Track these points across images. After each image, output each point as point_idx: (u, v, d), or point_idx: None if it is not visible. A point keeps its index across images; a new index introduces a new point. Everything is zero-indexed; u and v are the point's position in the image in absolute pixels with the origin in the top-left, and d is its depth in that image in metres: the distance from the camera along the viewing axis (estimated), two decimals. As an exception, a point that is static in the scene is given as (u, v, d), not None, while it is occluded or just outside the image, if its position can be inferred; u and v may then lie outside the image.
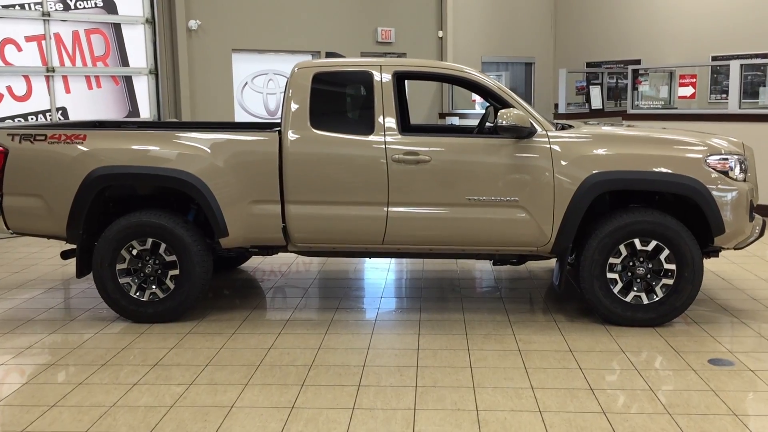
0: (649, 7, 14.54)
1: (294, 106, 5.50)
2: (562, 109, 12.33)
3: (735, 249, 5.53)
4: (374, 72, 5.51)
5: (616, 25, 15.12)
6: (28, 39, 9.41)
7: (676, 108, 11.87)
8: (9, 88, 9.42)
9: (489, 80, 5.55)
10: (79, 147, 5.44)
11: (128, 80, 10.45)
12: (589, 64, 15.42)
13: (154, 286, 5.53)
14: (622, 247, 5.31)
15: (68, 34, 9.79)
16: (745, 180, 5.35)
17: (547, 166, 5.29)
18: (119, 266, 5.49)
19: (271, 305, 6.15)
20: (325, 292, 6.53)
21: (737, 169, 5.29)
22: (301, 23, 12.10)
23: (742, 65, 9.97)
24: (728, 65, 10.36)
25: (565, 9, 16.08)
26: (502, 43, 15.17)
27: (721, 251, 5.59)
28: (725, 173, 5.25)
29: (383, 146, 5.39)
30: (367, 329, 5.38)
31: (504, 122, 5.18)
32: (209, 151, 5.43)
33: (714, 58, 13.02)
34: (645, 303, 5.33)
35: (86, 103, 10.07)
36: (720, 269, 6.95)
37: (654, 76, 12.76)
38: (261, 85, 11.87)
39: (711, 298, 6.06)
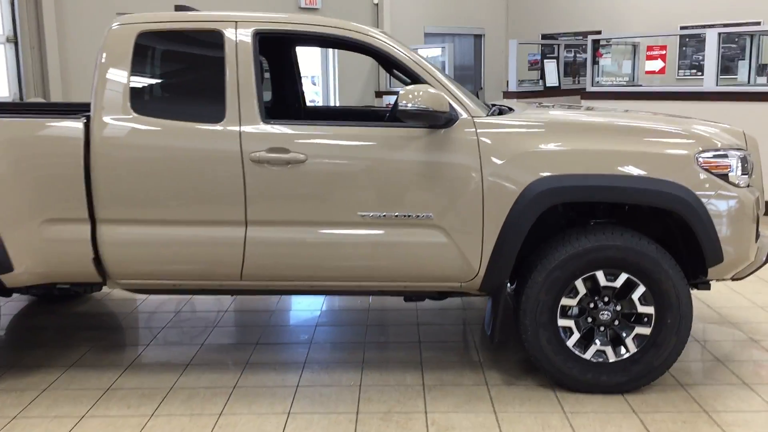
0: (611, -28, 13.01)
1: (108, 81, 3.78)
2: (513, 87, 10.75)
3: (733, 280, 3.99)
4: (226, 31, 3.81)
5: (575, -8, 13.55)
6: None
7: (642, 85, 10.35)
8: None
9: (396, 46, 3.88)
10: None
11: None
12: (544, 36, 13.84)
13: None
14: (579, 283, 3.71)
15: None
16: (749, 185, 3.80)
17: (473, 167, 3.66)
18: None
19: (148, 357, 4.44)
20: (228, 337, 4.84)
21: (739, 170, 3.73)
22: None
23: (720, 34, 8.45)
24: (703, 35, 8.84)
25: (519, -26, 14.45)
26: (447, 11, 13.50)
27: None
28: (723, 176, 3.68)
29: (237, 140, 3.71)
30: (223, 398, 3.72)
31: (409, 105, 3.53)
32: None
33: (683, 29, 11.54)
34: (612, 361, 3.76)
35: None
36: (703, 292, 5.42)
37: (616, 50, 11.22)
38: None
39: (697, 340, 4.52)
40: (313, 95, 12.03)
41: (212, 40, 3.80)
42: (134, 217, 3.77)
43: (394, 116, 3.83)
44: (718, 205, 3.65)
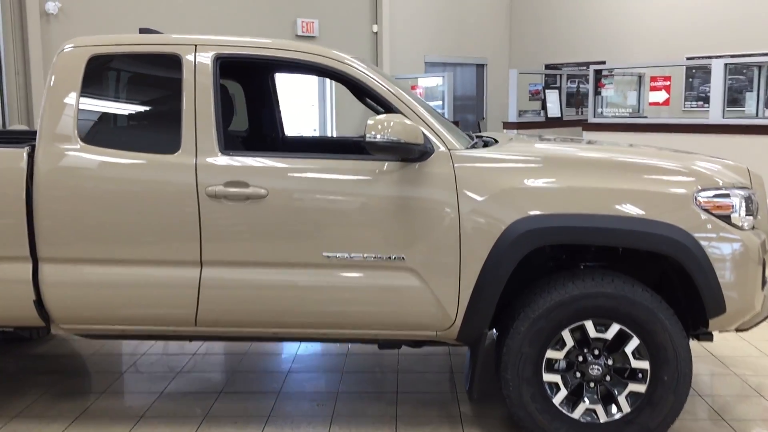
0: (616, 3, 12.76)
1: (55, 107, 3.49)
2: (513, 118, 10.44)
3: (737, 331, 3.63)
4: (185, 55, 3.51)
5: (580, 22, 13.32)
6: None
7: (646, 117, 10.03)
8: None
9: (368, 72, 3.55)
10: None
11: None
12: (548, 66, 13.60)
13: None
14: (566, 334, 3.36)
15: None
16: (753, 227, 3.45)
17: (449, 204, 3.33)
18: None
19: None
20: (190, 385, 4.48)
21: (743, 211, 3.39)
22: (197, 7, 10.04)
23: (726, 65, 8.14)
24: (709, 66, 8.54)
25: (523, 3, 14.24)
26: (449, 41, 13.27)
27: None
28: (725, 218, 3.34)
29: (193, 172, 3.39)
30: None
31: (378, 137, 3.22)
32: None
33: (689, 60, 11.25)
34: (603, 421, 3.39)
35: None
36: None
37: (621, 80, 10.93)
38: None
39: (699, 395, 4.14)
40: (314, 123, 11.78)
41: (170, 64, 3.51)
42: (80, 256, 3.45)
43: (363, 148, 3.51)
44: (720, 250, 3.30)
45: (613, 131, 9.02)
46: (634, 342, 3.34)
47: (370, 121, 3.22)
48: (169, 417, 3.84)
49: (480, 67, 14.09)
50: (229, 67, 3.80)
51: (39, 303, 3.49)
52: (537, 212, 3.29)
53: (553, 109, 10.97)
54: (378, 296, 3.41)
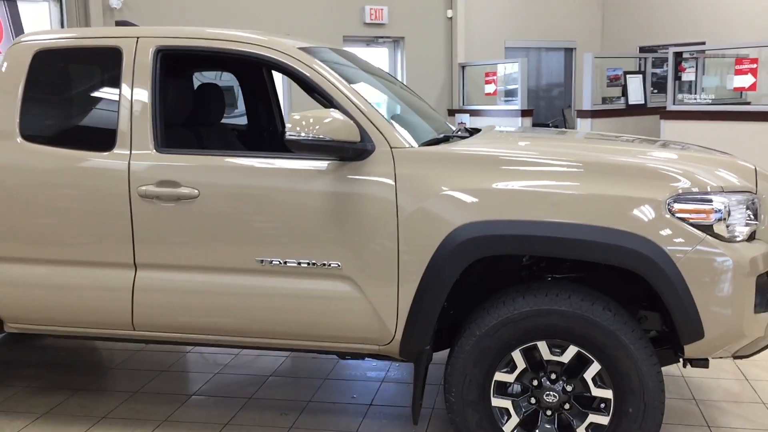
0: (716, -22, 11.73)
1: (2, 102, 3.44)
2: (587, 105, 9.80)
3: (735, 358, 3.13)
4: (125, 49, 3.37)
5: (676, 0, 12.35)
6: None
7: (732, 104, 9.11)
8: None
9: (305, 61, 3.26)
10: None
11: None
12: (642, 49, 12.68)
13: None
14: (517, 355, 2.99)
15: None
16: (751, 239, 2.94)
17: (387, 208, 3.03)
18: None
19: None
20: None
21: (734, 219, 2.89)
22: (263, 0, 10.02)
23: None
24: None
25: (615, -18, 13.37)
26: (533, 24, 12.64)
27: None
28: (706, 227, 2.85)
29: (126, 171, 3.26)
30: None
31: (302, 134, 2.95)
32: None
33: (794, 39, 10.14)
34: (559, 454, 3.00)
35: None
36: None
37: (714, 63, 9.99)
38: (211, 77, 9.82)
39: (697, 425, 3.63)
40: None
41: (111, 58, 3.38)
42: (18, 255, 3.41)
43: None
44: (696, 265, 2.82)
45: (694, 120, 8.25)
46: (595, 367, 2.93)
47: (295, 116, 2.95)
48: (128, 419, 3.75)
49: (568, 52, 13.37)
50: (221, 60, 3.69)
51: (-11, 301, 3.48)
52: (482, 218, 2.93)
53: (636, 95, 10.20)
54: (313, 306, 3.16)
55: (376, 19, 10.81)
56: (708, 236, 2.83)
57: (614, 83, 10.35)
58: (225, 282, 3.23)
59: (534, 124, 11.59)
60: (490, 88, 11.12)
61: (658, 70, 11.06)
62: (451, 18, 11.47)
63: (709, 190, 2.88)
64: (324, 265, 3.11)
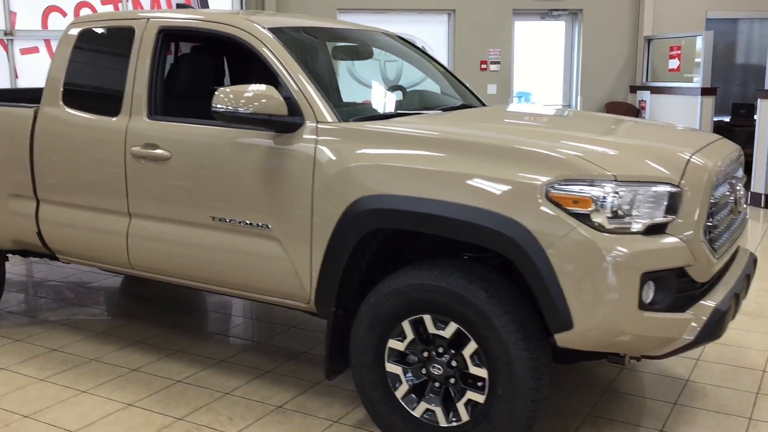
0: None
1: (52, 75, 4.21)
2: (769, 84, 8.81)
3: (646, 358, 2.99)
4: (137, 28, 3.96)
5: None
6: (104, 2, 9.19)
7: None
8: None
9: (263, 42, 3.56)
10: None
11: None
12: None
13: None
14: (406, 325, 3.12)
15: (145, -5, 9.39)
16: (657, 232, 2.78)
17: (306, 178, 3.30)
18: None
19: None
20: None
21: (630, 211, 2.76)
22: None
23: None
24: None
25: None
26: (744, -8, 11.45)
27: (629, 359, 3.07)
28: (582, 216, 2.75)
29: (123, 134, 3.86)
30: None
31: (218, 106, 3.28)
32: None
33: None
34: (442, 426, 3.10)
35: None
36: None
37: None
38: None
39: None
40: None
41: (127, 37, 3.97)
42: (59, 200, 4.16)
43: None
44: (567, 254, 2.74)
45: None
46: (472, 346, 2.98)
47: (224, 90, 3.31)
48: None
49: (789, 24, 11.90)
50: (212, 39, 4.17)
51: (40, 236, 4.30)
52: (374, 193, 3.09)
53: None
54: (251, 262, 3.53)
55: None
56: (583, 225, 2.74)
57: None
58: (188, 233, 3.70)
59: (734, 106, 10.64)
60: (673, 64, 10.38)
61: None
62: (639, -12, 10.82)
63: (592, 177, 2.77)
64: (258, 225, 3.46)
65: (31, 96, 4.62)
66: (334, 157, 3.23)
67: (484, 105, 4.54)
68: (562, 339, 2.83)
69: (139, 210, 3.86)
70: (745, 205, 3.55)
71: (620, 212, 2.75)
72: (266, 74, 3.57)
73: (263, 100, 3.26)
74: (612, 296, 2.73)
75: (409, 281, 3.06)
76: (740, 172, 3.62)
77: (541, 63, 11.13)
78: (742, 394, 3.78)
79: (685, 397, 3.74)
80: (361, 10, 10.09)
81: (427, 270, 3.04)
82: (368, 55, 4.55)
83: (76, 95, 4.14)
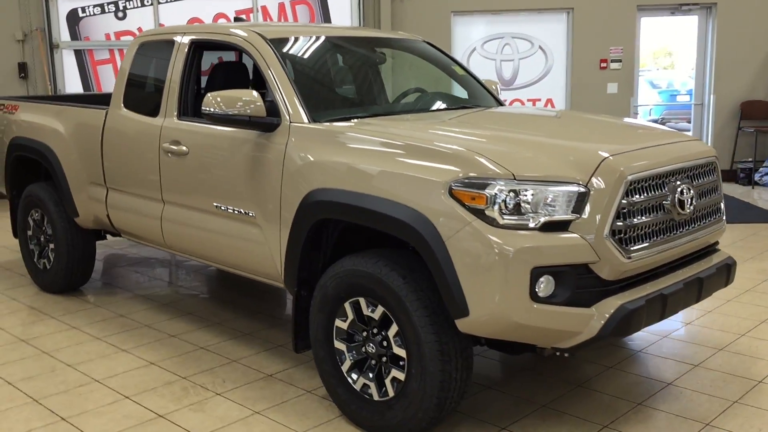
0: None
1: (118, 81, 4.97)
2: None
3: (564, 353, 3.14)
4: (177, 41, 4.59)
5: None
6: (238, 12, 10.11)
7: None
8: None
9: (260, 51, 4.04)
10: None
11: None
12: None
13: None
14: (347, 307, 3.47)
15: (274, 6, 10.17)
16: (558, 229, 2.94)
17: (278, 174, 3.75)
18: None
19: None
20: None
21: (526, 208, 2.94)
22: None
23: None
24: None
25: None
26: None
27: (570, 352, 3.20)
28: (478, 212, 2.95)
29: (159, 132, 4.50)
30: None
31: (208, 109, 3.79)
32: (57, 120, 5.29)
33: None
34: (376, 399, 3.41)
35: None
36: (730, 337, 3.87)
37: None
38: (494, 50, 10.41)
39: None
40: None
41: (170, 48, 4.61)
42: (120, 187, 4.92)
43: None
44: (463, 246, 2.96)
45: None
46: (394, 328, 3.27)
47: (212, 94, 3.80)
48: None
49: None
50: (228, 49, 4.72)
51: (108, 217, 5.08)
52: (322, 186, 3.47)
53: None
54: (241, 244, 4.03)
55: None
56: (478, 219, 2.94)
57: None
58: (199, 218, 4.27)
59: None
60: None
61: None
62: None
63: (488, 176, 2.96)
64: (246, 213, 3.94)
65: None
66: (299, 153, 3.64)
67: (501, 104, 4.78)
68: (462, 325, 3.05)
69: (168, 198, 4.48)
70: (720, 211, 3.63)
71: (520, 209, 2.92)
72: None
73: (243, 104, 3.73)
74: (502, 287, 2.91)
75: (347, 267, 3.39)
76: (710, 177, 3.58)
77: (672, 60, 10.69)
78: (717, 401, 3.70)
79: (654, 400, 3.73)
80: (476, 12, 10.27)
81: (360, 257, 3.36)
82: (380, 60, 4.89)
83: (132, 98, 4.85)
